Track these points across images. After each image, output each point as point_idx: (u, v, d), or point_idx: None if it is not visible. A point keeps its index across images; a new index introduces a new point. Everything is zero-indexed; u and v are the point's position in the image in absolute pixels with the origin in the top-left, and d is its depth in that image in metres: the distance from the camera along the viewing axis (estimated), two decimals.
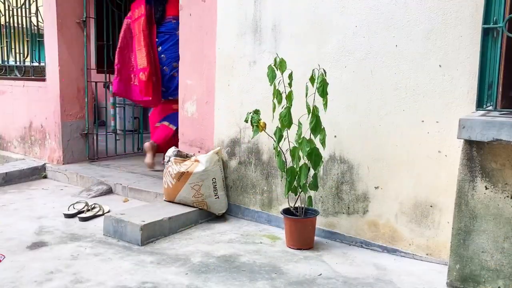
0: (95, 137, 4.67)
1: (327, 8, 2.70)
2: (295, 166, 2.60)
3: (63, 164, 4.43)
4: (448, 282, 2.14)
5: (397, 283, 2.23)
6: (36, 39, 4.76)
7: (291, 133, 2.64)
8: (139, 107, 5.26)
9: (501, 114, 2.05)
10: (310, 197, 2.72)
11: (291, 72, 2.59)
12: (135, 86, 4.29)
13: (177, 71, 3.76)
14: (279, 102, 2.62)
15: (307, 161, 2.58)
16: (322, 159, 2.58)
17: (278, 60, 2.58)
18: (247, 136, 3.15)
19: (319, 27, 2.74)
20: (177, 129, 3.95)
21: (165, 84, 4.26)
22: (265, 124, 2.64)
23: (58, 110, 4.37)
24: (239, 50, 3.12)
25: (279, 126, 2.61)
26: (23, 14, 4.82)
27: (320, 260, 2.50)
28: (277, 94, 2.60)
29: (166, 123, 4.33)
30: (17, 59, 5.01)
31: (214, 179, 3.10)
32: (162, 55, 4.21)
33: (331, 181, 2.79)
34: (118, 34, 4.80)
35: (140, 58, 4.18)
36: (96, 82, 4.67)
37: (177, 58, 3.72)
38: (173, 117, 4.20)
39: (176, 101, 3.81)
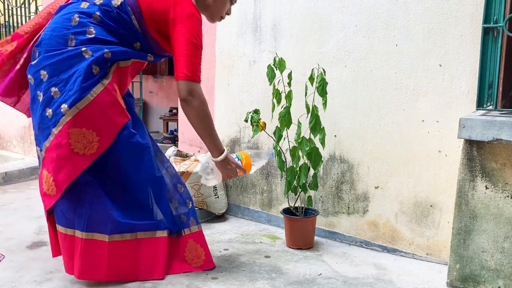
0: None
1: (327, 7, 2.69)
2: (294, 166, 2.60)
3: None
4: (448, 282, 2.14)
5: (397, 283, 2.23)
6: None
7: (290, 133, 2.64)
8: (139, 105, 5.21)
9: (501, 113, 2.04)
10: (310, 197, 2.71)
11: (291, 72, 2.59)
12: None
13: None
14: (279, 101, 2.61)
15: (307, 160, 2.58)
16: (322, 159, 2.58)
17: (277, 59, 2.57)
18: (247, 135, 3.14)
19: (319, 27, 2.74)
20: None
21: None
22: (265, 124, 2.64)
23: None
24: (239, 50, 3.12)
25: (279, 125, 2.60)
26: (23, 14, 4.81)
27: (320, 260, 2.50)
28: (277, 94, 2.60)
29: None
30: None
31: None
32: None
33: (331, 181, 2.78)
34: None
35: None
36: None
37: None
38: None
39: None
